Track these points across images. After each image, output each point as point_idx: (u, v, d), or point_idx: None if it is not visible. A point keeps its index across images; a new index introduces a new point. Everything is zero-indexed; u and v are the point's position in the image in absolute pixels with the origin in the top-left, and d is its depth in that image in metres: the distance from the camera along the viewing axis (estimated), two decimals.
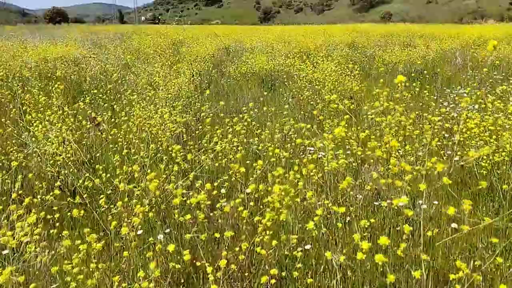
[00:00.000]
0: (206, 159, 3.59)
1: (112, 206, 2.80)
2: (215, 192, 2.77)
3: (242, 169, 2.74)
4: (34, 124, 4.26)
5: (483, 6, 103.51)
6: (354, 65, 8.00)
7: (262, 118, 5.69)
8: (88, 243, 2.18)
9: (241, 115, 4.15)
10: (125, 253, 2.24)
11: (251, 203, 2.75)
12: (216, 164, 3.79)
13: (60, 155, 3.83)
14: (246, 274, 2.46)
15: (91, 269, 2.08)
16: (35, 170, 4.00)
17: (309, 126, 3.43)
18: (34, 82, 7.18)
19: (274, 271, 1.93)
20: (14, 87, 6.37)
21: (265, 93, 6.65)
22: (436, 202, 3.18)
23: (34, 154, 4.07)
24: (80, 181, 3.41)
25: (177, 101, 5.52)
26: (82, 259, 2.14)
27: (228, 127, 3.95)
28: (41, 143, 4.06)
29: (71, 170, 3.84)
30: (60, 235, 2.64)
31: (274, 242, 2.25)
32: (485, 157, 3.69)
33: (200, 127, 4.74)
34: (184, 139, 4.48)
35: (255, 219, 2.45)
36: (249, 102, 5.51)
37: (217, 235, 2.41)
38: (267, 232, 2.28)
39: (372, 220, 2.73)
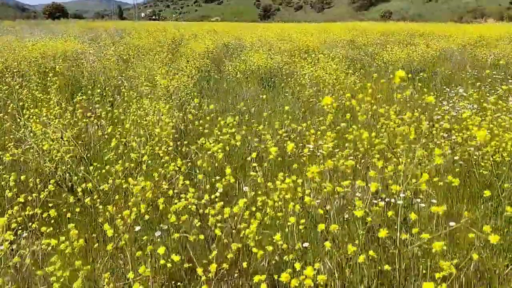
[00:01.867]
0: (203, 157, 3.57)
1: (105, 206, 2.77)
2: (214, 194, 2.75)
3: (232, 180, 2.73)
4: (31, 120, 4.24)
5: (483, 4, 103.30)
6: (354, 64, 7.97)
7: (260, 118, 5.67)
8: (72, 241, 2.15)
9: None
10: (109, 246, 2.22)
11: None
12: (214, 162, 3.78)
13: (58, 150, 3.80)
14: (237, 274, 2.45)
15: (76, 268, 2.05)
16: (32, 165, 3.98)
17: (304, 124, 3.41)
18: (33, 77, 7.15)
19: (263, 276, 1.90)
20: (12, 82, 6.34)
21: (263, 96, 6.53)
22: (434, 201, 3.17)
23: (31, 150, 4.04)
24: (76, 178, 3.39)
25: (174, 100, 5.49)
26: (69, 257, 2.12)
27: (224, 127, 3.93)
28: (38, 139, 4.03)
29: (68, 166, 3.82)
30: (58, 230, 2.63)
31: (270, 248, 2.24)
32: (486, 156, 3.68)
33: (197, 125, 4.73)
34: (180, 139, 4.46)
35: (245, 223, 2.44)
36: (248, 100, 5.49)
37: (201, 236, 2.39)
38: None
39: (369, 219, 2.72)
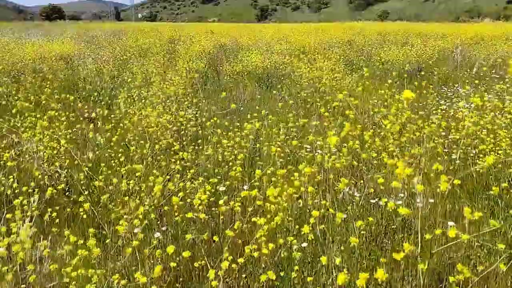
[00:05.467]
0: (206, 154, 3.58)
1: (111, 206, 2.77)
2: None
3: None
4: (27, 124, 4.23)
5: (480, 4, 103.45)
6: (351, 65, 7.98)
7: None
8: (87, 248, 2.15)
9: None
10: (128, 250, 2.21)
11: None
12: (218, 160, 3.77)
13: (52, 155, 3.79)
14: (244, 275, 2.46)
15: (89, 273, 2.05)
16: (29, 169, 3.97)
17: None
18: (29, 78, 7.13)
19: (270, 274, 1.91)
20: (7, 85, 6.32)
21: (259, 96, 6.57)
22: (432, 201, 3.17)
23: (27, 156, 4.03)
24: (80, 176, 3.38)
25: (172, 101, 5.48)
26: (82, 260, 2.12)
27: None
28: (34, 143, 4.02)
29: (65, 170, 3.81)
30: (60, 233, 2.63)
31: (270, 246, 2.25)
32: (481, 155, 3.69)
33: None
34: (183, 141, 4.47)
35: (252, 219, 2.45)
36: (246, 101, 5.49)
37: (215, 238, 2.40)
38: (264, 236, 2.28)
39: (371, 219, 2.73)
